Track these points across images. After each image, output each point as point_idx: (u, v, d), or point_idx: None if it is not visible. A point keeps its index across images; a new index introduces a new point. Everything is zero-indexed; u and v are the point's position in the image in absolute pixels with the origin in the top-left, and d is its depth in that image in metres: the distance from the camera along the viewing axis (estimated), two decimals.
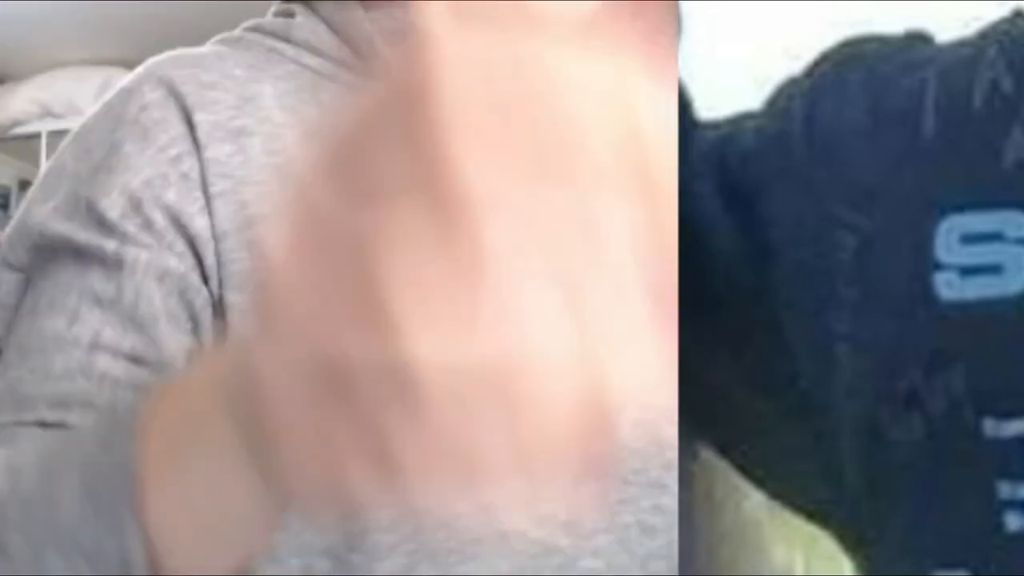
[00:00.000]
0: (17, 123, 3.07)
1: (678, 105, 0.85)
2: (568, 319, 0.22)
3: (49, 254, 0.50)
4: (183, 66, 0.60)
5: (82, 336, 0.47)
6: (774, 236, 0.75)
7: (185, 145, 0.53)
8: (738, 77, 0.84)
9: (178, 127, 0.53)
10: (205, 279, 0.51)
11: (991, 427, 0.66)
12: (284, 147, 0.54)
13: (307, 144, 0.32)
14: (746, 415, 0.81)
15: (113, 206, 0.50)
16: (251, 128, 0.54)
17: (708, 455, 0.86)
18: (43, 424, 0.46)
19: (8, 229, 0.59)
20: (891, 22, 0.75)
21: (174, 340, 0.50)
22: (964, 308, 0.67)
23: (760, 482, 0.84)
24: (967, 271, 0.67)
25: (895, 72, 0.72)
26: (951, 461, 0.67)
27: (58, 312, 0.48)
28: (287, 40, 0.63)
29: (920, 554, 0.69)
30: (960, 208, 0.67)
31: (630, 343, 0.23)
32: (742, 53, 0.85)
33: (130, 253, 0.49)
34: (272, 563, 0.47)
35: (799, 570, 0.87)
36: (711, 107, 0.83)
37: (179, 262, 0.50)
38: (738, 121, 0.79)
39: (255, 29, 0.68)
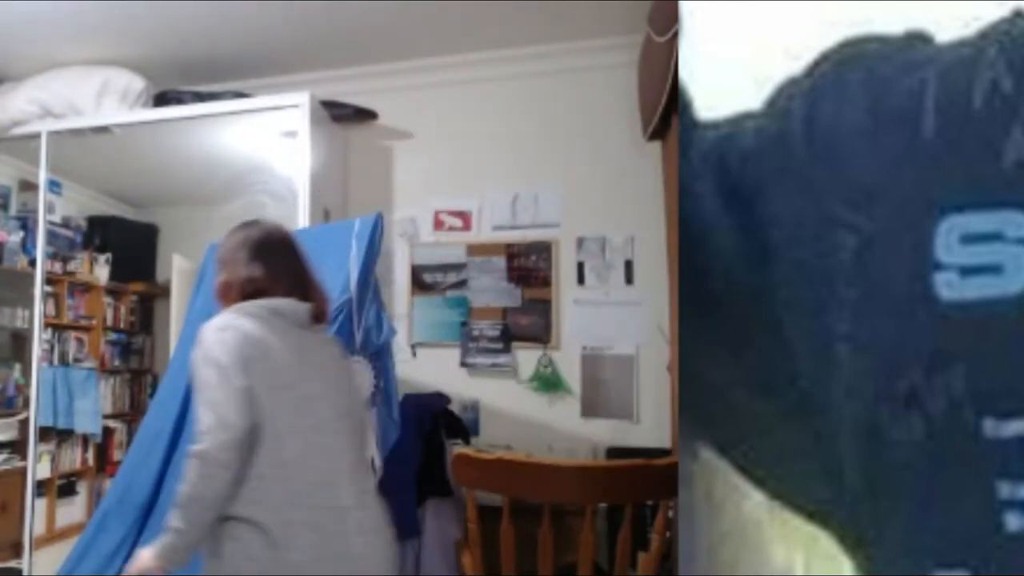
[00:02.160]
0: (17, 123, 3.07)
1: (678, 105, 0.85)
2: None
3: None
4: None
5: None
6: (774, 236, 0.75)
7: None
8: (738, 77, 0.84)
9: None
10: None
11: (991, 427, 0.66)
12: None
13: None
14: (746, 415, 0.81)
15: None
16: None
17: (708, 455, 0.86)
18: None
19: None
20: (891, 22, 0.75)
21: None
22: (964, 308, 0.67)
23: (760, 482, 0.84)
24: (967, 271, 0.67)
25: (895, 72, 0.72)
26: (951, 461, 0.67)
27: None
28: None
29: (920, 554, 0.69)
30: (960, 208, 0.67)
31: None
32: (742, 53, 0.85)
33: None
34: None
35: (799, 570, 0.87)
36: (711, 107, 0.83)
37: None
38: (738, 121, 0.79)
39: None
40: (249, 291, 1.47)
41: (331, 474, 1.33)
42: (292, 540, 1.25)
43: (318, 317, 1.53)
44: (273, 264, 1.50)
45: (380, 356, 2.23)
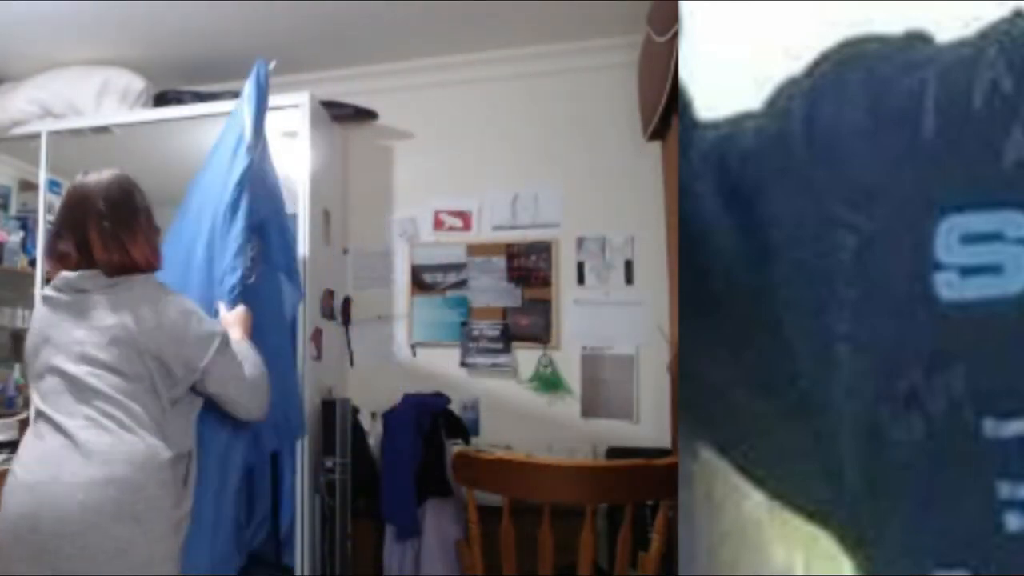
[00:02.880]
0: (17, 123, 3.05)
1: (679, 105, 0.85)
2: None
3: None
4: None
5: None
6: (774, 236, 0.75)
7: None
8: (738, 77, 0.84)
9: None
10: None
11: (991, 427, 0.66)
12: None
13: None
14: (746, 415, 0.81)
15: None
16: None
17: (708, 455, 0.86)
18: None
19: None
20: (891, 22, 0.75)
21: None
22: (964, 308, 0.67)
23: (760, 482, 0.84)
24: (967, 271, 0.67)
25: (895, 72, 0.72)
26: (951, 461, 0.67)
27: None
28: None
29: (920, 554, 0.69)
30: (960, 208, 0.67)
31: None
32: (742, 53, 0.85)
33: None
34: None
35: (799, 570, 0.87)
36: (711, 107, 0.83)
37: None
38: (738, 121, 0.79)
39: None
40: (56, 270, 1.63)
41: (66, 411, 1.61)
42: (24, 453, 1.72)
43: (127, 270, 1.60)
44: (68, 236, 1.61)
45: (264, 229, 2.16)
